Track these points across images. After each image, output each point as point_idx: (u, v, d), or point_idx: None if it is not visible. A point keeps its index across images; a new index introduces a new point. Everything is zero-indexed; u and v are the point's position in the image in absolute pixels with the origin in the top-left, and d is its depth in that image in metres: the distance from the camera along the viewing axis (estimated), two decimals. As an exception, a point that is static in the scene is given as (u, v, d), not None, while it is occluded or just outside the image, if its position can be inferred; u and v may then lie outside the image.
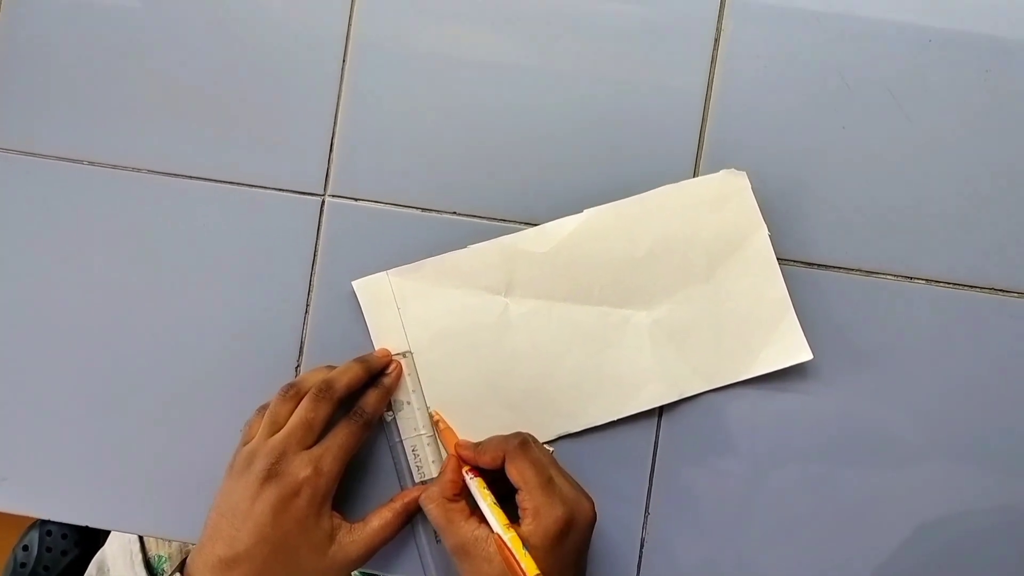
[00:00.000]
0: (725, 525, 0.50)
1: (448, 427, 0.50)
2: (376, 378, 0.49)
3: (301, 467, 0.45)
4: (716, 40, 0.51)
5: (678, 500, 0.50)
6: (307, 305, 0.52)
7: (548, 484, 0.43)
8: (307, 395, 0.47)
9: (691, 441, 0.50)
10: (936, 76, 0.51)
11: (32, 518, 0.92)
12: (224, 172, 0.53)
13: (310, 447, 0.46)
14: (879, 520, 0.50)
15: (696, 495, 0.50)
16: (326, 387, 0.47)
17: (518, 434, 0.46)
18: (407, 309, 0.51)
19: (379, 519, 0.47)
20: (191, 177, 0.53)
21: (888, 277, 0.50)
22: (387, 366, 0.50)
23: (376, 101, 0.52)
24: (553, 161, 0.51)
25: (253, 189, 0.53)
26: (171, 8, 0.53)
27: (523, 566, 0.40)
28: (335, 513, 0.46)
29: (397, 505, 0.48)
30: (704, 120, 0.51)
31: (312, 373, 0.49)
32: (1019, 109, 0.50)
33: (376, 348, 0.51)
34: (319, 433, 0.46)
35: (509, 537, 0.41)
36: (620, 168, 0.51)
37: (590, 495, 0.45)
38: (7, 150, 0.53)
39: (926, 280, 0.50)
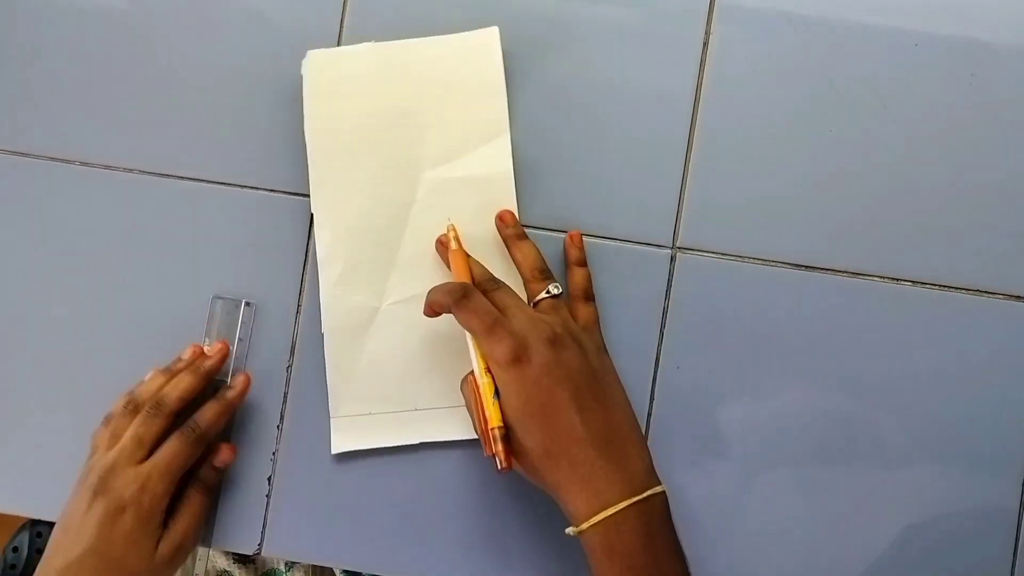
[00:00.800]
0: (716, 527, 0.50)
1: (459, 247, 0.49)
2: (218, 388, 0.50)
3: (127, 484, 0.46)
4: (705, 44, 0.52)
5: (672, 505, 0.50)
6: (298, 306, 0.52)
7: (493, 326, 0.43)
8: (140, 412, 0.48)
9: (682, 444, 0.51)
10: (922, 79, 0.51)
11: (22, 519, 0.91)
12: (217, 173, 0.53)
13: (141, 462, 0.47)
14: (869, 521, 0.50)
15: (687, 497, 0.50)
16: (156, 404, 0.48)
17: (459, 284, 0.45)
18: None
19: (188, 509, 0.48)
20: (184, 178, 0.53)
21: (875, 279, 0.51)
22: (217, 359, 0.51)
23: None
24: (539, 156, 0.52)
25: (246, 190, 0.53)
26: (162, 8, 0.53)
27: (487, 414, 0.42)
28: (161, 524, 0.47)
29: (197, 485, 0.49)
30: (693, 123, 0.52)
31: (150, 382, 0.50)
32: (1004, 112, 0.51)
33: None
34: (150, 448, 0.47)
35: (483, 383, 0.43)
36: (608, 176, 0.52)
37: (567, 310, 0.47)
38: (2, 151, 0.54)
39: (912, 281, 0.51)
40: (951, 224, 0.51)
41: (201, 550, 0.70)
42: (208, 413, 0.49)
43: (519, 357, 0.42)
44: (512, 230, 0.50)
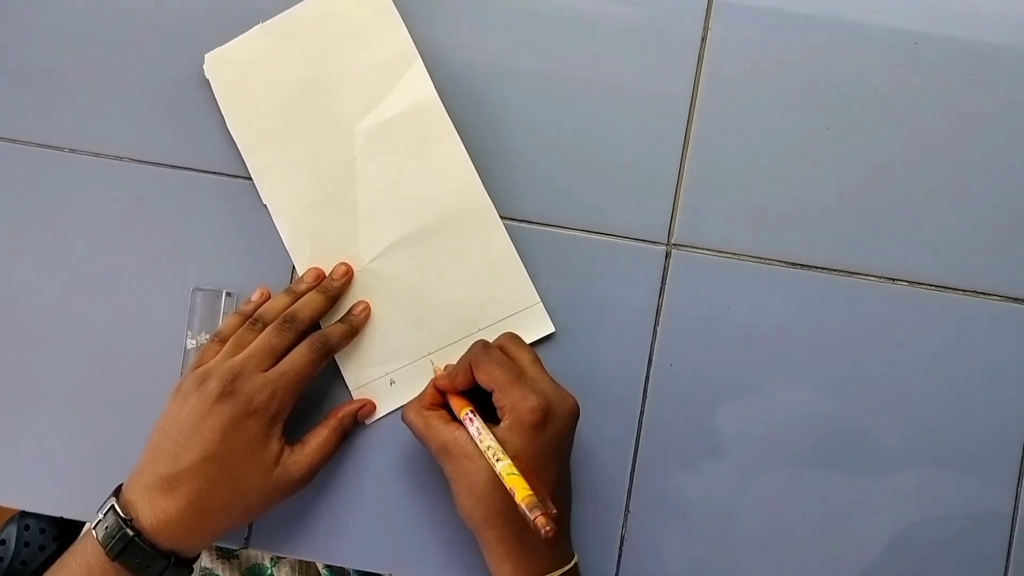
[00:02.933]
0: (712, 529, 0.50)
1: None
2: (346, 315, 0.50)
3: (257, 389, 0.45)
4: (703, 40, 0.51)
5: (664, 505, 0.50)
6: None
7: (518, 379, 0.43)
8: (271, 324, 0.47)
9: (675, 443, 0.50)
10: (922, 79, 0.51)
11: (9, 512, 0.91)
12: (208, 162, 0.52)
13: (267, 371, 0.46)
14: (865, 524, 0.50)
15: (683, 500, 0.50)
16: (290, 318, 0.48)
17: (479, 341, 0.46)
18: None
19: (316, 438, 0.48)
20: (174, 167, 0.52)
21: (871, 278, 0.50)
22: (343, 281, 0.50)
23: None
24: (543, 161, 0.51)
25: (235, 180, 0.52)
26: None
27: (510, 486, 0.39)
28: (282, 436, 0.46)
29: (332, 422, 0.49)
30: (690, 121, 0.51)
31: (275, 301, 0.49)
32: (1003, 113, 0.50)
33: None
34: (278, 360, 0.47)
35: (504, 467, 0.40)
36: (604, 172, 0.51)
37: (573, 394, 0.45)
38: (-13, 136, 0.53)
39: (908, 281, 0.50)
40: (948, 224, 0.50)
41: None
42: (338, 330, 0.49)
43: (542, 420, 0.42)
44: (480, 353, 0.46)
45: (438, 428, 0.44)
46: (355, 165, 0.51)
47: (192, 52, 0.52)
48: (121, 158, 0.53)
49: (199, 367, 0.47)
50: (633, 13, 0.51)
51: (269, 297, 0.51)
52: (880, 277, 0.50)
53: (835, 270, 0.50)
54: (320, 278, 0.50)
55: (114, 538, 0.43)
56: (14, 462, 0.52)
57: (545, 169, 0.51)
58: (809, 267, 0.50)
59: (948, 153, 0.50)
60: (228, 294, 0.51)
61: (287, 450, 0.46)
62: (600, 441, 0.50)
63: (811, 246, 0.50)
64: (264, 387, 0.45)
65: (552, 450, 0.43)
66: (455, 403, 0.45)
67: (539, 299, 0.50)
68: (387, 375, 0.51)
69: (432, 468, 0.50)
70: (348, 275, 0.51)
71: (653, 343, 0.51)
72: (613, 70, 0.51)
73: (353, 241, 0.51)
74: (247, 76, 0.51)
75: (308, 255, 0.51)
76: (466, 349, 0.49)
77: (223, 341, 0.48)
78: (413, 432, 0.46)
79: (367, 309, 0.51)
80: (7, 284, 0.52)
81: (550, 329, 0.50)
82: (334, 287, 0.50)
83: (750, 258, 0.51)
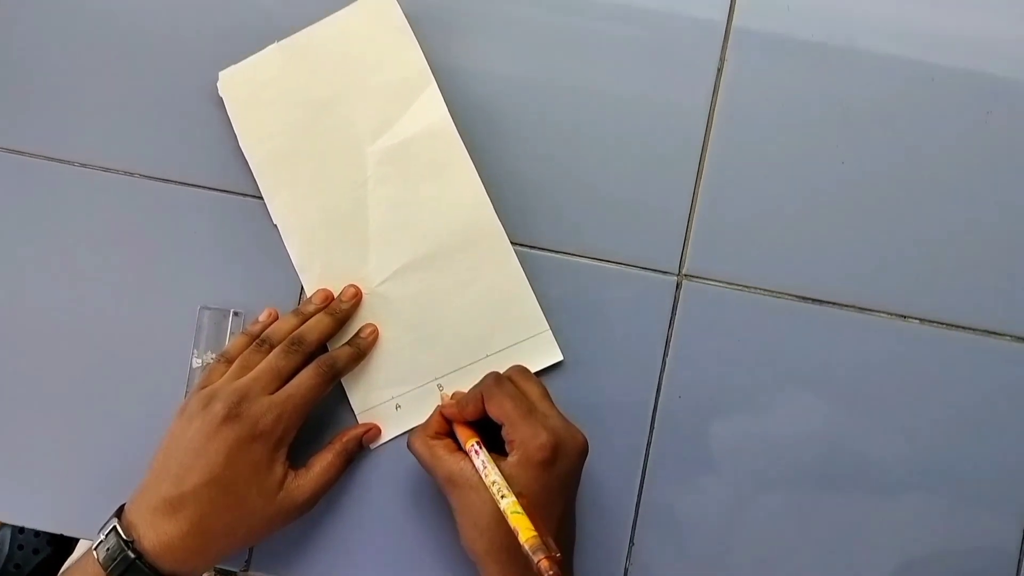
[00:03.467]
0: (718, 563, 0.50)
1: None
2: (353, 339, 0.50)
3: (263, 412, 0.44)
4: (719, 69, 0.51)
5: (670, 537, 0.50)
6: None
7: (529, 414, 0.42)
8: (278, 346, 0.47)
9: (680, 474, 0.50)
10: (937, 114, 0.50)
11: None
12: (218, 180, 0.52)
13: (273, 393, 0.45)
14: (862, 549, 0.49)
15: (689, 533, 0.50)
16: (298, 340, 0.47)
17: (490, 373, 0.45)
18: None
19: (321, 463, 0.48)
20: (184, 184, 0.52)
21: (883, 315, 0.50)
22: (352, 304, 0.50)
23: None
24: (550, 180, 0.51)
25: (245, 199, 0.52)
26: (169, 11, 0.53)
27: (514, 526, 0.39)
28: (286, 460, 0.46)
29: (337, 446, 0.48)
30: (704, 150, 0.51)
31: (283, 322, 0.49)
32: (1018, 152, 0.50)
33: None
34: (284, 382, 0.46)
35: (508, 504, 0.40)
36: (616, 200, 0.51)
37: (582, 431, 0.44)
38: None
39: (919, 319, 0.50)
40: (961, 263, 0.50)
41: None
42: (344, 354, 0.48)
43: (551, 458, 0.42)
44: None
45: (443, 458, 0.44)
46: (366, 187, 0.51)
47: (206, 69, 0.51)
48: (132, 174, 0.52)
49: (204, 388, 0.46)
50: (651, 41, 0.51)
51: (276, 318, 0.50)
52: (891, 314, 0.50)
53: (847, 305, 0.50)
54: (328, 300, 0.50)
55: (115, 560, 0.42)
56: (15, 477, 0.52)
57: (557, 196, 0.51)
58: (821, 302, 0.50)
59: (962, 191, 0.50)
60: (235, 313, 0.51)
61: (291, 474, 0.46)
62: (606, 471, 0.50)
63: (823, 281, 0.50)
64: (270, 410, 0.45)
65: (559, 487, 0.43)
66: (461, 433, 0.45)
67: (548, 326, 0.50)
68: (393, 399, 0.50)
69: (436, 495, 0.50)
70: (357, 297, 0.50)
71: (662, 374, 0.50)
72: (628, 97, 0.51)
73: (362, 263, 0.51)
74: (261, 95, 0.51)
75: (317, 276, 0.51)
76: (473, 375, 0.49)
77: (229, 361, 0.48)
78: (418, 460, 0.45)
79: (375, 332, 0.50)
80: (13, 296, 0.52)
81: (558, 357, 0.50)
82: (342, 309, 0.50)
83: (761, 291, 0.50)
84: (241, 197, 0.52)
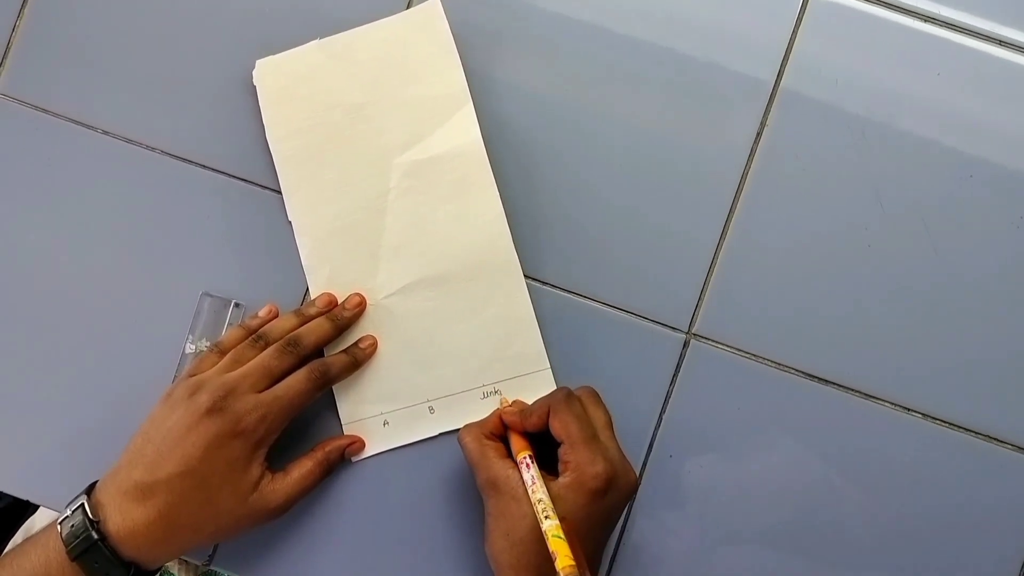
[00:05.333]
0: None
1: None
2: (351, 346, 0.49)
3: (248, 410, 0.43)
4: (759, 134, 0.50)
5: (640, 569, 0.49)
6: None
7: (592, 440, 0.42)
8: (273, 344, 0.46)
9: (662, 536, 0.49)
10: (971, 213, 0.50)
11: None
12: (239, 168, 0.51)
13: (261, 392, 0.45)
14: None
15: (655, 565, 0.49)
16: (294, 341, 0.46)
17: (562, 388, 0.44)
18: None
19: (300, 470, 0.47)
20: (204, 167, 0.51)
21: (887, 404, 0.49)
22: (355, 312, 0.49)
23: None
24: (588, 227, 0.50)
25: (263, 191, 0.51)
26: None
27: (554, 551, 0.38)
28: (264, 462, 0.45)
29: (319, 455, 0.48)
30: (731, 212, 0.50)
31: (281, 321, 0.48)
32: (1047, 261, 0.50)
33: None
34: (275, 382, 0.45)
35: (551, 527, 0.39)
36: (636, 248, 0.50)
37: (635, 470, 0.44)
38: (23, 103, 0.52)
39: (922, 414, 0.49)
40: (973, 365, 0.49)
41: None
42: (339, 361, 0.48)
43: (604, 489, 0.41)
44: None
45: (493, 459, 0.43)
46: (388, 198, 0.50)
47: (243, 55, 0.51)
48: (153, 148, 0.52)
49: (193, 376, 0.46)
50: (694, 92, 0.50)
51: (276, 315, 0.50)
52: (895, 405, 0.49)
53: (851, 389, 0.49)
54: (332, 305, 0.49)
55: (78, 538, 0.42)
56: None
57: (577, 234, 0.50)
58: (826, 381, 0.49)
59: (985, 294, 0.49)
60: (236, 304, 0.50)
61: (268, 477, 0.45)
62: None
63: (831, 361, 0.49)
64: (255, 409, 0.44)
65: (602, 520, 0.42)
66: (516, 442, 0.44)
67: (549, 365, 0.49)
68: (382, 415, 0.50)
69: (413, 518, 0.49)
70: (360, 307, 0.49)
71: (656, 430, 0.49)
72: (663, 144, 0.50)
73: (372, 273, 0.50)
74: (294, 89, 0.50)
75: (325, 279, 0.50)
76: (466, 402, 0.48)
77: (222, 353, 0.47)
78: (466, 455, 0.44)
79: (374, 345, 0.49)
80: (14, 250, 0.51)
81: None
82: (344, 317, 0.49)
83: (768, 362, 0.50)
84: (259, 188, 0.51)
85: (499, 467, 0.43)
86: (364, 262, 0.50)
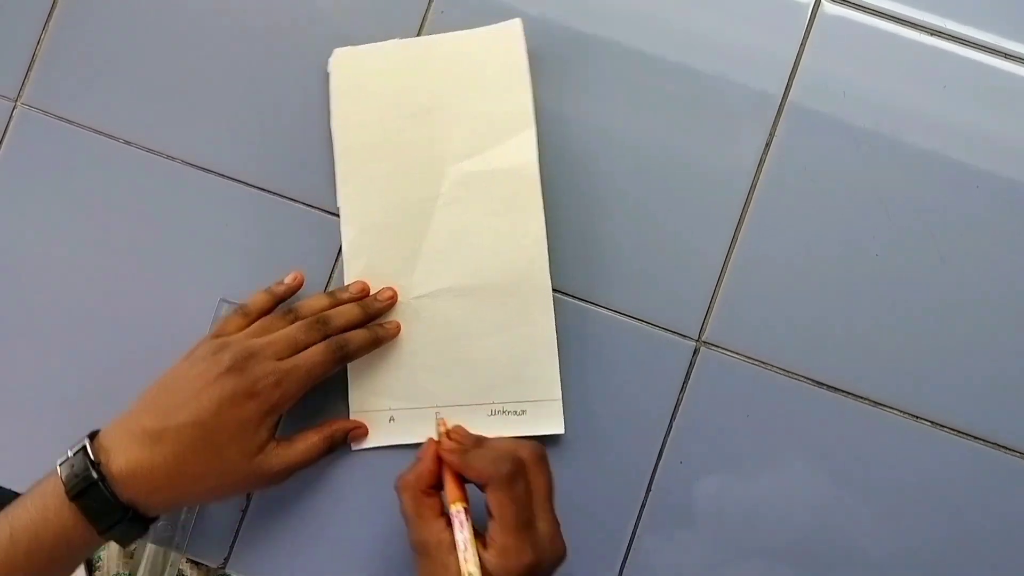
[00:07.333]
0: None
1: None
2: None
3: (267, 373, 0.44)
4: (767, 144, 0.51)
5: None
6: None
7: (525, 527, 0.40)
8: (303, 320, 0.47)
9: (671, 543, 0.49)
10: (978, 224, 0.50)
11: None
12: (252, 175, 0.52)
13: (281, 360, 0.45)
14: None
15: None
16: (323, 320, 0.47)
17: (513, 458, 0.41)
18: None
19: (305, 441, 0.47)
20: (224, 176, 0.52)
21: (896, 412, 0.50)
22: (385, 305, 0.50)
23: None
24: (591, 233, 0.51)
25: (279, 199, 0.52)
26: (236, 5, 0.53)
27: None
28: (274, 427, 0.46)
29: (325, 430, 0.48)
30: (740, 222, 0.51)
31: (314, 300, 0.49)
32: (1054, 271, 0.50)
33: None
34: (296, 354, 0.46)
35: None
36: (646, 256, 0.51)
37: (564, 539, 0.42)
38: (49, 113, 0.53)
39: (931, 422, 0.50)
40: (982, 373, 0.50)
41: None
42: (359, 337, 0.48)
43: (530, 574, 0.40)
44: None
45: (428, 520, 0.41)
46: (436, 202, 0.51)
47: (261, 67, 0.52)
48: (174, 158, 0.53)
49: (218, 337, 0.47)
50: (705, 103, 0.51)
51: (301, 283, 0.51)
52: (904, 412, 0.50)
53: (860, 397, 0.50)
54: (364, 293, 0.50)
55: (78, 477, 0.42)
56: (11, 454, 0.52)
57: (587, 242, 0.51)
58: (835, 389, 0.50)
59: (992, 302, 0.50)
60: (254, 311, 0.51)
61: (274, 442, 0.46)
62: (600, 522, 0.50)
63: (841, 369, 0.50)
64: (273, 374, 0.44)
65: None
66: (450, 489, 0.42)
67: (560, 396, 0.50)
68: (390, 410, 0.50)
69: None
70: (392, 300, 0.50)
71: (666, 436, 0.50)
72: (674, 157, 0.51)
73: (408, 272, 0.51)
74: (367, 82, 0.52)
75: (361, 269, 0.51)
76: (473, 415, 0.49)
77: (246, 315, 0.48)
78: (401, 508, 0.43)
79: (397, 327, 0.50)
80: (34, 261, 0.52)
81: (560, 430, 0.49)
82: (375, 307, 0.50)
83: (777, 369, 0.50)
84: (276, 197, 0.52)
85: (433, 530, 0.41)
86: (402, 259, 0.51)
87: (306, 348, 0.46)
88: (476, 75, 0.51)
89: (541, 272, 0.50)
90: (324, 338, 0.47)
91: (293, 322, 0.47)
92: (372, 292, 0.51)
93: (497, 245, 0.50)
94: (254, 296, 0.50)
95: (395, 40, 0.52)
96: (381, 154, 0.51)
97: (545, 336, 0.50)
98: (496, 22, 0.51)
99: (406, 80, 0.52)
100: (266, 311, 0.49)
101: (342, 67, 0.52)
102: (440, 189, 0.51)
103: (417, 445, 0.49)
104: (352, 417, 0.50)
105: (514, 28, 0.51)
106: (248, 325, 0.48)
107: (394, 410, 0.50)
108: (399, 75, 0.52)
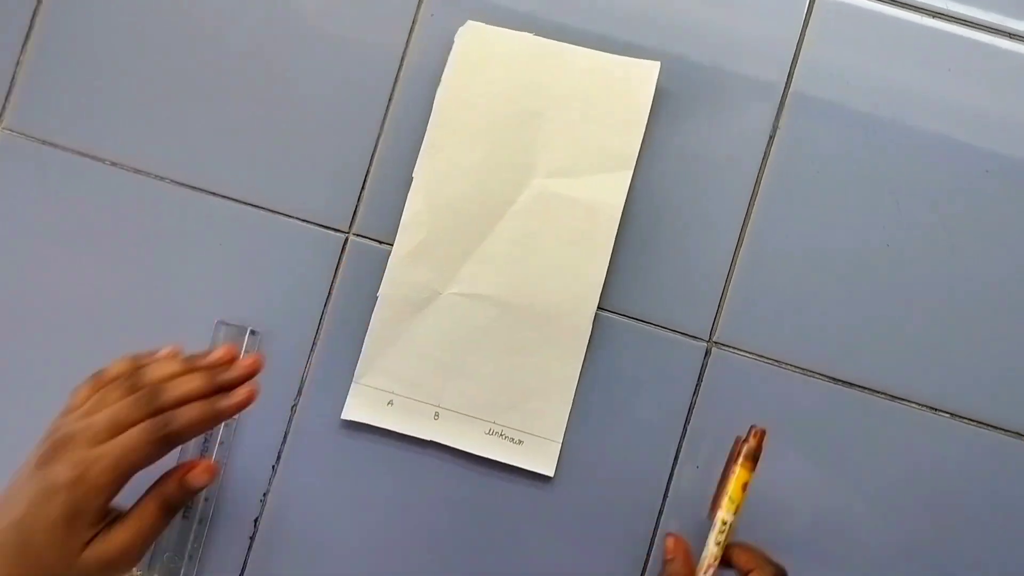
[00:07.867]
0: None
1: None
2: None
3: (66, 467, 0.38)
4: (771, 137, 0.50)
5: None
6: (314, 343, 0.50)
7: None
8: (135, 393, 0.40)
9: (685, 526, 0.49)
10: (988, 208, 0.49)
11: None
12: (246, 193, 0.51)
13: (100, 444, 0.39)
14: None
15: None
16: (152, 393, 0.40)
17: (777, 565, 0.42)
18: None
19: (138, 518, 0.41)
20: (217, 195, 0.51)
21: (913, 405, 0.49)
22: (238, 376, 0.42)
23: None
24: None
25: (276, 216, 0.51)
26: (225, 23, 0.52)
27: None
28: (96, 517, 0.39)
29: (156, 492, 0.41)
30: (747, 218, 0.50)
31: (163, 365, 0.42)
32: (1068, 254, 0.49)
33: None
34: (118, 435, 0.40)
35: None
36: (655, 259, 0.50)
37: None
38: (31, 137, 0.52)
39: (950, 414, 0.49)
40: (998, 363, 0.49)
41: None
42: (189, 413, 0.40)
43: None
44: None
45: None
46: (510, 208, 0.50)
47: (248, 84, 0.50)
48: (163, 178, 0.51)
49: (65, 413, 0.41)
50: (707, 95, 0.50)
51: (231, 362, 0.43)
52: (921, 405, 0.49)
53: (876, 391, 0.49)
54: (229, 359, 0.43)
55: None
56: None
57: (593, 247, 0.50)
58: (850, 384, 0.49)
59: (1006, 292, 0.49)
60: (252, 332, 0.50)
61: (101, 533, 0.39)
62: (618, 529, 0.49)
63: (854, 363, 0.49)
64: (78, 465, 0.38)
65: None
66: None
67: (561, 439, 0.49)
68: (392, 393, 0.49)
69: (427, 526, 0.48)
70: (251, 370, 0.42)
71: (681, 441, 0.49)
72: (676, 156, 0.50)
73: (456, 264, 0.50)
74: (488, 65, 0.51)
75: (413, 245, 0.50)
76: (468, 426, 0.48)
77: (95, 387, 0.42)
78: None
79: (248, 397, 0.42)
80: (26, 285, 0.51)
81: (550, 472, 0.49)
82: (223, 377, 0.42)
83: (791, 367, 0.49)
84: (272, 214, 0.51)
85: None
86: (455, 251, 0.50)
87: (130, 428, 0.39)
88: (597, 100, 0.50)
89: (587, 314, 0.49)
90: (151, 415, 0.40)
91: (129, 393, 0.40)
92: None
93: (554, 272, 0.49)
94: (113, 362, 0.43)
95: (531, 34, 0.50)
96: (474, 139, 0.50)
97: (567, 376, 0.49)
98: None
99: (527, 76, 0.50)
100: (161, 379, 0.41)
101: (469, 40, 0.51)
102: (518, 196, 0.50)
103: (410, 437, 0.49)
104: (353, 388, 0.49)
105: (651, 69, 0.50)
106: (125, 398, 0.40)
107: (396, 395, 0.49)
108: (522, 69, 0.50)
